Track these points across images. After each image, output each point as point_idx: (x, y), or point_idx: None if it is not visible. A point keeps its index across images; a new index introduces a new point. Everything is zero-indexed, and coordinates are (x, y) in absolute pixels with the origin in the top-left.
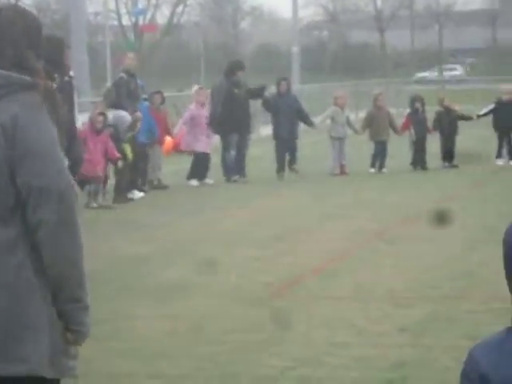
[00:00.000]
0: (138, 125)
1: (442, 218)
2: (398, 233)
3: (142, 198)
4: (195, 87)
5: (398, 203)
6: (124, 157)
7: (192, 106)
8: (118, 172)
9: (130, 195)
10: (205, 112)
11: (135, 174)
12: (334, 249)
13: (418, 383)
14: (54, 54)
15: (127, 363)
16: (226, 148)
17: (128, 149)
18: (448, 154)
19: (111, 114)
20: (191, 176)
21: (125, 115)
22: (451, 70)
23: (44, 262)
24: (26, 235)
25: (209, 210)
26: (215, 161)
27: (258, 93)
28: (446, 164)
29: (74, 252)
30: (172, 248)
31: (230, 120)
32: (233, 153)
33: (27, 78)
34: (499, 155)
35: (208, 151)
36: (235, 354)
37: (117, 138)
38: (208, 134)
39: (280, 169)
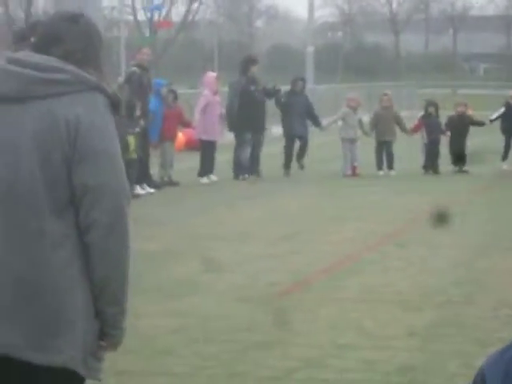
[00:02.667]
0: (142, 122)
1: (449, 223)
2: (407, 236)
3: (151, 194)
4: (210, 74)
5: (407, 206)
6: (127, 150)
7: (206, 92)
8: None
9: (137, 191)
10: (218, 100)
11: (145, 169)
12: (342, 250)
13: None
14: None
15: (133, 361)
16: (239, 146)
17: (133, 142)
18: (459, 159)
19: None
20: (203, 173)
21: None
22: None
23: (90, 263)
24: (76, 233)
25: (218, 207)
26: (228, 157)
27: (273, 93)
28: (457, 168)
29: (122, 255)
30: (180, 245)
31: (245, 118)
32: (247, 151)
33: (95, 79)
34: (505, 158)
35: (216, 140)
36: (241, 353)
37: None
38: (220, 124)
39: (287, 165)
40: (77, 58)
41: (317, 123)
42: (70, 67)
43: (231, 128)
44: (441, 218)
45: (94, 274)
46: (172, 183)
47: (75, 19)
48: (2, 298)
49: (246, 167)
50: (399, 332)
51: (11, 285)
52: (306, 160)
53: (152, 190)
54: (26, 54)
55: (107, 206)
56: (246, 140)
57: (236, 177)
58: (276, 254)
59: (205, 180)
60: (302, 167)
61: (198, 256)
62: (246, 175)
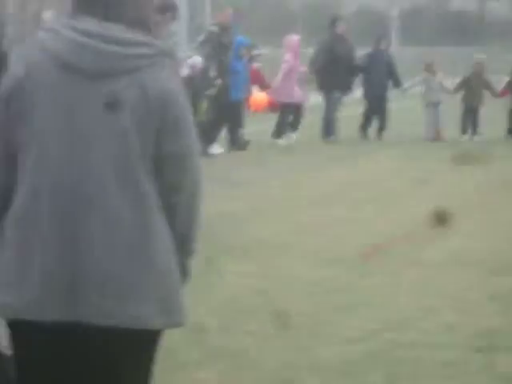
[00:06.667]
0: (218, 81)
1: None
2: (492, 201)
3: (222, 154)
4: (293, 37)
5: (492, 172)
6: (199, 112)
7: (288, 58)
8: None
9: (210, 150)
10: (298, 62)
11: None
12: (426, 214)
13: (506, 353)
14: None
15: (213, 318)
16: (329, 105)
17: (205, 105)
18: None
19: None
20: (277, 134)
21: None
22: None
23: (175, 221)
24: (157, 194)
25: (299, 169)
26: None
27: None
28: None
29: (199, 211)
30: (261, 206)
31: (332, 76)
32: (336, 111)
33: (168, 46)
34: None
35: (295, 101)
36: (324, 315)
37: (194, 92)
38: (301, 85)
39: (364, 127)
40: (129, 18)
41: (398, 83)
42: (148, 38)
43: (321, 87)
44: None
45: (176, 231)
46: (244, 143)
47: None
48: (119, 267)
49: (334, 128)
50: (481, 296)
51: (126, 252)
52: (389, 123)
53: (222, 150)
54: (94, 24)
55: (192, 170)
56: (335, 100)
57: (324, 138)
58: (359, 217)
59: (282, 141)
60: (380, 139)
61: (279, 217)
62: (333, 136)
